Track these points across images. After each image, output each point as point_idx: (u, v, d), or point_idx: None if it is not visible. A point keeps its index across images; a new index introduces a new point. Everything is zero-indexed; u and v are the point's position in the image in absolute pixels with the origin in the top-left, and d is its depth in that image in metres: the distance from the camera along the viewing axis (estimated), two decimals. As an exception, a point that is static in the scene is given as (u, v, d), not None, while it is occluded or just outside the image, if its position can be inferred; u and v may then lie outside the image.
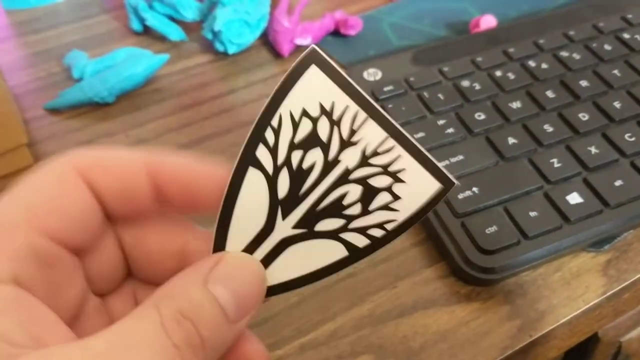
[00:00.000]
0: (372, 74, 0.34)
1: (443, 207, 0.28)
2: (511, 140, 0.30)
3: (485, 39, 0.37)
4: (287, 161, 0.18)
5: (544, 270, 0.27)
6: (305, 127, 0.17)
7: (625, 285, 0.27)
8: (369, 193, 0.17)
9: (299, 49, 0.42)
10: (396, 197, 0.17)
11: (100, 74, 0.39)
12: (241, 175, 0.18)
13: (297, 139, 0.18)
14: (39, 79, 0.42)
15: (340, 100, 0.17)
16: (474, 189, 0.28)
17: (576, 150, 0.30)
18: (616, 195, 0.28)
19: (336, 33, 0.43)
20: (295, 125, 0.17)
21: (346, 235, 0.18)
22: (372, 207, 0.18)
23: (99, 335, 0.14)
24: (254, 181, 0.18)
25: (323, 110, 0.17)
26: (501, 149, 0.30)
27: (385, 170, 0.17)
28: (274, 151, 0.18)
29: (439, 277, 0.28)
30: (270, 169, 0.18)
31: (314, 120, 0.17)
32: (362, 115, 0.17)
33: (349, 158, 0.17)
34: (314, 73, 0.17)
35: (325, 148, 0.18)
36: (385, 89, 0.33)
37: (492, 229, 0.27)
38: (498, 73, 0.34)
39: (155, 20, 0.43)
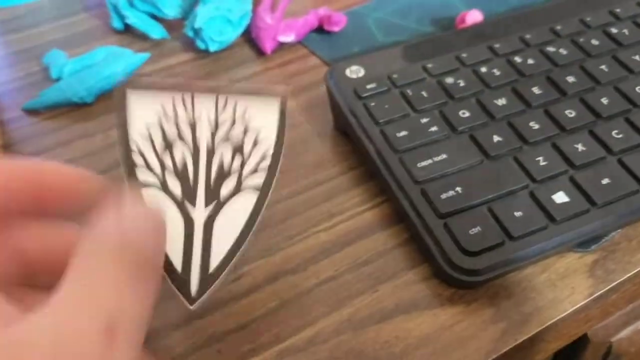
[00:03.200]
0: (355, 72, 0.34)
1: (426, 207, 0.27)
2: (496, 138, 0.30)
3: (471, 34, 0.36)
4: (163, 166, 0.21)
5: (529, 272, 0.27)
6: (157, 134, 0.21)
7: (612, 286, 0.26)
8: (237, 144, 0.21)
9: (282, 46, 0.41)
10: (257, 131, 0.21)
11: (78, 73, 0.38)
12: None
13: (158, 147, 0.21)
14: (18, 78, 0.41)
15: (165, 99, 0.21)
16: (458, 188, 0.28)
17: (562, 148, 0.29)
18: (603, 193, 0.27)
19: (320, 30, 0.42)
20: (150, 138, 0.21)
21: (246, 184, 0.21)
22: (246, 151, 0.21)
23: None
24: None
25: (161, 115, 0.21)
26: (486, 147, 0.29)
27: (233, 120, 0.21)
28: (149, 166, 0.21)
29: (422, 279, 0.27)
30: (156, 180, 0.21)
31: (160, 126, 0.21)
32: (188, 97, 0.21)
33: (204, 132, 0.21)
34: (132, 96, 0.21)
35: (182, 137, 0.21)
36: (368, 86, 0.33)
37: (476, 229, 0.26)
38: (483, 69, 0.33)
39: (135, 18, 0.42)
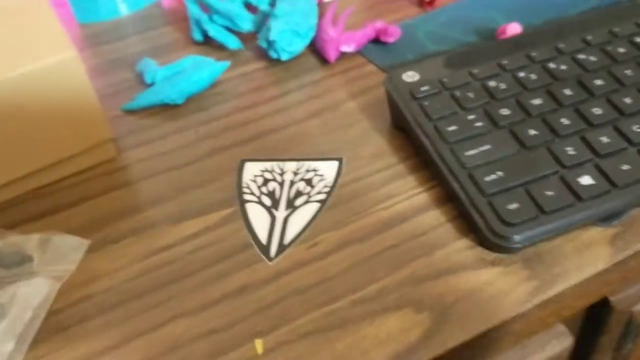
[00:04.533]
0: (411, 76, 0.39)
1: (472, 187, 0.33)
2: (532, 132, 0.35)
3: (511, 44, 0.41)
4: (259, 193, 0.37)
5: (559, 242, 0.32)
6: (259, 179, 0.38)
7: (630, 254, 0.31)
8: (308, 180, 0.37)
9: (343, 55, 0.47)
10: (322, 175, 0.37)
11: (170, 78, 0.45)
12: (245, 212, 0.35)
13: (258, 183, 0.37)
14: (114, 84, 0.48)
15: (266, 164, 0.39)
16: (499, 173, 0.33)
17: (589, 140, 0.34)
18: (623, 177, 0.32)
19: (376, 40, 0.48)
20: (254, 180, 0.38)
21: (311, 199, 0.36)
22: (314, 183, 0.37)
23: None
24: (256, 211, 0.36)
25: (262, 169, 0.38)
26: (523, 139, 0.35)
27: (307, 170, 0.38)
28: (251, 193, 0.37)
29: (468, 247, 0.32)
30: (255, 199, 0.36)
31: (262, 174, 0.38)
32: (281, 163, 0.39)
33: (288, 175, 0.38)
34: (247, 163, 0.39)
35: (275, 179, 0.38)
36: (422, 89, 0.38)
37: (514, 205, 0.32)
38: (521, 74, 0.39)
39: (215, 31, 0.49)
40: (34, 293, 0.30)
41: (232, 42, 0.49)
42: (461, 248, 0.32)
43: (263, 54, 0.48)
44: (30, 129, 0.36)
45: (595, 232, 0.32)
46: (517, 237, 0.31)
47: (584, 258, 0.31)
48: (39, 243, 0.33)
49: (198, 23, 0.50)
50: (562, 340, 0.36)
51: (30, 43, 0.36)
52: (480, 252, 0.32)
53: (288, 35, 0.46)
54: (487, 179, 0.33)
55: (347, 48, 0.46)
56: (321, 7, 0.52)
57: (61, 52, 0.35)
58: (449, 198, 0.35)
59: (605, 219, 0.32)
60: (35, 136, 0.36)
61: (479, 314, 0.29)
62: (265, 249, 0.33)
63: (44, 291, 0.31)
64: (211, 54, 0.49)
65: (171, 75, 0.45)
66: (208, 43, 0.51)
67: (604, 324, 0.39)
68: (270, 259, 0.33)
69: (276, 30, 0.45)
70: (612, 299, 0.37)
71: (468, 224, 0.33)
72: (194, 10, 0.49)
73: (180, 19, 0.55)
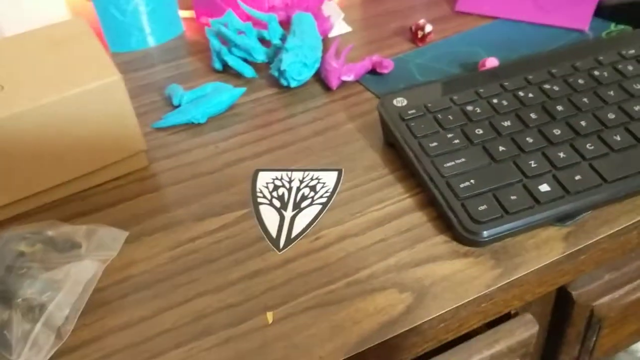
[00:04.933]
0: (400, 101, 0.46)
1: (449, 192, 0.39)
2: (501, 148, 0.42)
3: (488, 75, 0.48)
4: (270, 196, 0.43)
5: (521, 238, 0.38)
6: (270, 185, 0.44)
7: (580, 249, 0.38)
8: (313, 187, 0.43)
9: (344, 84, 0.54)
10: (323, 183, 0.44)
11: (194, 101, 0.52)
12: (258, 212, 0.42)
13: (269, 189, 0.44)
14: (144, 105, 0.55)
15: (276, 173, 0.45)
16: (471, 180, 0.40)
17: (549, 155, 0.41)
18: (576, 185, 0.39)
19: (373, 72, 0.55)
20: (267, 187, 0.44)
21: (315, 202, 0.42)
22: (317, 189, 0.43)
23: None
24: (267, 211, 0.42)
25: (274, 178, 0.45)
26: (493, 154, 0.41)
27: (311, 179, 0.44)
28: (264, 196, 0.43)
29: (445, 242, 0.39)
30: (267, 201, 0.43)
31: (273, 182, 0.45)
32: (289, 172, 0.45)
33: (295, 183, 0.44)
34: (260, 172, 0.46)
35: (284, 185, 0.44)
36: (409, 112, 0.45)
37: (483, 207, 0.38)
38: (495, 100, 0.45)
39: (234, 62, 0.56)
40: (83, 272, 0.37)
41: (248, 72, 0.56)
42: (439, 242, 0.39)
43: (274, 82, 0.56)
44: (77, 141, 0.43)
45: (552, 231, 0.39)
46: (485, 233, 0.37)
47: (542, 250, 0.37)
48: (86, 233, 0.39)
49: (218, 54, 0.57)
50: (530, 328, 0.42)
51: (80, 68, 0.43)
52: (454, 245, 0.38)
53: (297, 66, 0.53)
54: (462, 185, 0.39)
55: (347, 77, 0.54)
56: (326, 42, 0.60)
57: (108, 76, 0.42)
58: (430, 202, 0.41)
59: (561, 220, 0.39)
60: (81, 147, 0.43)
61: (452, 294, 0.35)
62: (275, 241, 0.40)
63: (92, 271, 0.37)
64: (229, 81, 0.56)
65: (195, 99, 0.52)
66: (226, 71, 0.58)
67: (569, 317, 0.45)
68: (279, 250, 0.39)
69: (287, 61, 0.52)
70: (574, 293, 0.43)
71: (445, 223, 0.40)
72: (215, 43, 0.56)
73: (201, 50, 0.62)
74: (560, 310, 0.46)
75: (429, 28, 0.58)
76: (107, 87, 0.42)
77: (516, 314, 0.43)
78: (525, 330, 0.42)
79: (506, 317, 0.42)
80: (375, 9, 0.66)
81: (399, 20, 0.64)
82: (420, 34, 0.59)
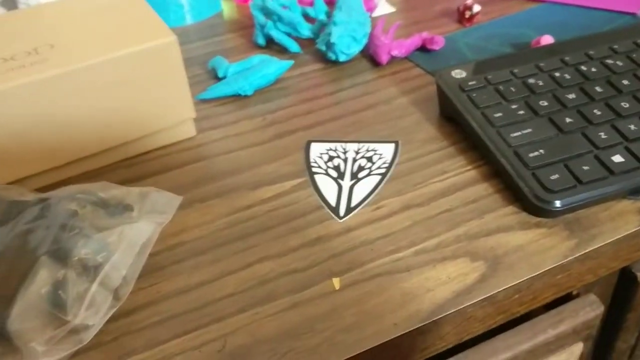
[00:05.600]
0: (458, 74, 0.45)
1: (518, 162, 0.38)
2: (568, 120, 0.40)
3: (546, 51, 0.47)
4: (325, 166, 0.42)
5: (594, 210, 0.37)
6: (325, 155, 0.43)
7: (657, 222, 0.36)
8: (369, 158, 0.42)
9: (393, 59, 0.53)
10: (381, 154, 0.42)
11: (240, 73, 0.50)
12: (314, 182, 0.41)
13: (325, 159, 0.42)
14: (188, 79, 0.53)
15: (330, 145, 0.44)
16: (541, 150, 0.38)
17: (619, 127, 0.39)
18: (650, 158, 0.37)
19: (422, 49, 0.54)
20: (322, 157, 0.43)
21: (373, 173, 0.41)
22: (374, 160, 0.42)
23: None
24: (324, 181, 0.41)
25: (328, 149, 0.43)
26: (560, 125, 0.40)
27: (367, 150, 0.43)
28: (319, 166, 0.42)
29: (515, 212, 0.37)
30: (323, 171, 0.41)
31: (328, 153, 0.43)
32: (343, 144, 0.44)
33: (350, 154, 0.43)
34: (313, 144, 0.44)
35: (339, 156, 0.42)
36: (470, 83, 0.44)
37: (555, 176, 0.36)
38: (557, 74, 0.44)
39: (279, 36, 0.55)
40: (139, 234, 0.35)
41: (293, 46, 0.55)
42: (508, 213, 0.37)
43: (319, 58, 0.54)
44: (126, 104, 0.41)
45: (626, 204, 0.37)
46: (558, 203, 0.36)
47: (617, 223, 0.36)
48: (138, 196, 0.38)
49: (262, 29, 0.55)
50: (595, 309, 0.40)
51: (133, 29, 0.41)
52: (525, 216, 0.37)
53: (346, 40, 0.51)
54: (531, 155, 0.38)
55: (397, 53, 0.52)
56: (371, 20, 0.58)
57: (163, 37, 0.41)
58: (495, 174, 0.40)
59: (635, 192, 0.37)
60: (131, 111, 0.42)
61: (526, 264, 0.34)
62: (334, 209, 0.38)
63: (148, 233, 0.35)
64: (274, 56, 0.54)
65: (241, 71, 0.51)
66: (269, 47, 0.57)
67: (631, 301, 0.43)
68: (340, 218, 0.38)
69: (337, 34, 0.51)
70: (639, 275, 0.42)
71: (513, 194, 0.38)
72: (259, 17, 0.55)
73: (241, 27, 0.61)
74: (622, 293, 0.44)
75: (477, 8, 0.57)
76: (162, 48, 0.40)
77: (578, 295, 0.41)
78: (590, 310, 0.40)
79: (566, 299, 0.40)
80: (418, -9, 0.65)
81: (442, 2, 0.62)
82: (468, 14, 0.57)
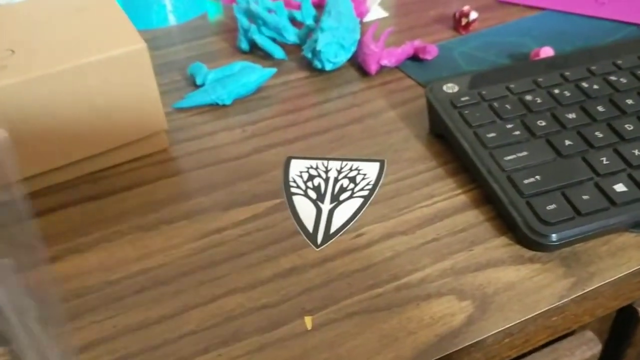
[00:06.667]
0: (450, 88, 0.42)
1: (511, 189, 0.35)
2: (567, 142, 0.37)
3: (545, 64, 0.44)
4: (305, 187, 0.38)
5: (593, 244, 0.34)
6: (305, 174, 0.40)
7: (661, 259, 0.33)
8: (352, 178, 0.39)
9: (383, 69, 0.50)
10: (364, 174, 0.39)
11: (220, 80, 0.47)
12: (292, 203, 0.37)
13: (304, 179, 0.39)
14: (164, 84, 0.50)
15: (311, 162, 0.40)
16: (537, 176, 0.35)
17: (622, 152, 0.36)
18: (655, 187, 0.34)
19: (414, 58, 0.51)
20: (300, 175, 0.39)
21: (355, 195, 0.38)
22: (357, 181, 0.39)
23: None
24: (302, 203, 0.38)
25: (308, 167, 0.40)
26: (559, 148, 0.37)
27: (350, 170, 0.40)
28: (297, 187, 0.38)
29: (506, 244, 0.34)
30: (302, 192, 0.38)
31: (308, 171, 0.40)
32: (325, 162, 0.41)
33: (333, 173, 0.40)
34: (293, 160, 0.41)
35: (319, 175, 0.39)
36: (462, 99, 0.40)
37: (552, 206, 0.33)
38: (556, 91, 0.41)
39: (263, 41, 0.51)
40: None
41: (278, 52, 0.51)
42: (499, 245, 0.34)
43: (305, 65, 0.51)
44: (92, 115, 0.38)
45: (629, 237, 0.34)
46: (554, 236, 0.33)
47: (618, 259, 0.33)
48: None
49: (246, 33, 0.52)
50: (592, 347, 0.37)
51: (102, 35, 0.38)
52: (518, 249, 0.34)
53: (334, 48, 0.48)
54: (526, 181, 0.35)
55: (387, 62, 0.49)
56: (362, 26, 0.55)
57: (132, 43, 0.37)
58: (487, 200, 0.37)
59: (638, 226, 0.34)
60: (97, 122, 0.38)
61: (519, 305, 0.31)
62: (312, 236, 0.35)
63: None
64: (257, 63, 0.51)
65: (221, 78, 0.48)
66: (253, 53, 0.53)
67: (631, 336, 0.40)
68: (317, 246, 0.35)
69: (323, 42, 0.47)
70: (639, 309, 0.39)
71: (506, 223, 0.35)
72: (243, 21, 0.52)
73: (225, 30, 0.58)
74: (621, 328, 0.41)
75: (474, 15, 0.54)
76: (132, 55, 0.37)
77: (574, 331, 0.38)
78: (587, 349, 0.37)
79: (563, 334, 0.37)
80: (412, -5, 0.62)
81: (437, 7, 0.59)
82: (464, 21, 0.54)
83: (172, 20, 0.59)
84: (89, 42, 0.38)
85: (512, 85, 0.42)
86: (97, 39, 0.38)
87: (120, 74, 0.38)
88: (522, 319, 0.30)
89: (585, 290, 0.31)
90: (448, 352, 0.29)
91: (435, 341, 0.29)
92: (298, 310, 0.31)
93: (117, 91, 0.38)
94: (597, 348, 0.37)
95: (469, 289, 0.32)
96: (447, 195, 0.37)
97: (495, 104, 0.40)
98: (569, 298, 0.31)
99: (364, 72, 0.50)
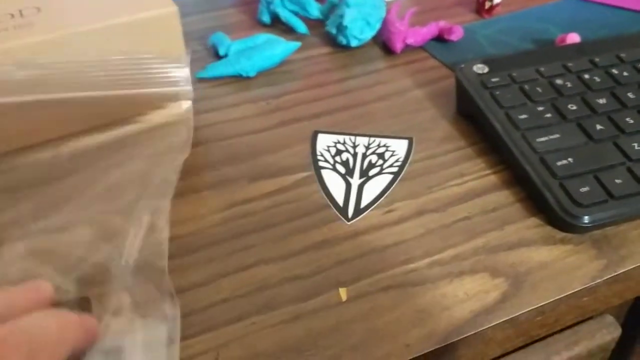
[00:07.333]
0: (481, 69, 0.41)
1: (544, 170, 0.35)
2: (598, 127, 0.37)
3: (573, 50, 0.44)
4: (333, 159, 0.39)
5: (624, 227, 0.34)
6: (332, 148, 0.39)
7: (691, 245, 0.33)
8: (381, 154, 0.38)
9: (407, 48, 0.49)
10: (393, 150, 0.39)
11: (243, 52, 0.47)
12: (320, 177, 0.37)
13: (331, 152, 0.39)
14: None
15: (338, 137, 0.40)
16: (569, 159, 0.35)
17: (654, 139, 0.36)
18: (687, 174, 0.34)
19: (437, 39, 0.50)
20: (328, 149, 0.39)
21: (384, 171, 0.37)
22: (386, 157, 0.38)
23: None
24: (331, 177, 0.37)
25: (336, 141, 0.40)
26: (590, 132, 0.37)
27: (378, 146, 0.39)
28: (324, 159, 0.38)
29: (538, 225, 0.34)
30: (330, 166, 0.38)
31: (335, 145, 0.40)
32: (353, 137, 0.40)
33: (360, 148, 0.39)
34: (320, 134, 0.40)
35: (347, 150, 0.39)
36: (493, 79, 0.40)
37: (585, 189, 0.33)
38: (586, 76, 0.41)
39: (286, 15, 0.51)
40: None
41: (300, 27, 0.51)
42: (531, 225, 0.34)
43: (328, 41, 0.50)
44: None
45: (658, 222, 0.34)
46: (587, 218, 0.33)
47: (649, 244, 0.33)
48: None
49: (268, 6, 0.51)
50: (612, 331, 0.37)
51: (131, -3, 0.37)
52: (549, 230, 0.34)
53: (360, 24, 0.48)
54: (559, 163, 0.35)
55: (412, 42, 0.49)
56: (386, 4, 0.54)
57: (163, 6, 0.37)
58: (517, 181, 0.37)
59: (669, 211, 0.34)
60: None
61: (551, 284, 0.31)
62: (342, 210, 0.35)
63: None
64: (277, 36, 0.50)
65: (244, 49, 0.47)
66: (274, 26, 0.53)
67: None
68: (348, 220, 0.34)
69: (350, 17, 0.47)
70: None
71: (537, 204, 0.35)
72: (266, -7, 0.51)
73: (242, 2, 0.57)
74: (637, 312, 0.41)
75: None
76: (163, 17, 0.37)
77: (592, 316, 0.38)
78: (607, 333, 0.37)
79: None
80: (433, -23, 0.61)
81: (459, -10, 0.59)
82: (487, 4, 0.54)
83: (190, -10, 0.58)
84: (119, 3, 0.37)
85: (542, 69, 0.41)
86: (124, 0, 0.37)
87: (150, 36, 0.37)
88: (555, 298, 0.30)
89: (617, 273, 0.31)
90: (483, 328, 0.29)
91: (470, 317, 0.29)
92: (332, 282, 0.31)
93: (147, 53, 0.37)
94: (617, 332, 0.37)
95: (501, 267, 0.32)
96: (477, 175, 0.37)
97: (526, 86, 0.40)
98: (602, 279, 0.31)
99: (387, 50, 0.49)
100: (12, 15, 0.36)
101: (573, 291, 0.31)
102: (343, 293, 0.30)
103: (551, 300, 0.30)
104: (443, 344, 0.28)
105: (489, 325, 0.29)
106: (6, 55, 0.33)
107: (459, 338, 0.28)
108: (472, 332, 0.29)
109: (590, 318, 0.38)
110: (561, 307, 0.31)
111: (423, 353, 0.28)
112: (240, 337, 0.28)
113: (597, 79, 0.41)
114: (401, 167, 0.38)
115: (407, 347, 0.28)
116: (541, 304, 0.30)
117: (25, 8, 0.37)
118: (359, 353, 0.28)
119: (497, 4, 0.54)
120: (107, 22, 0.35)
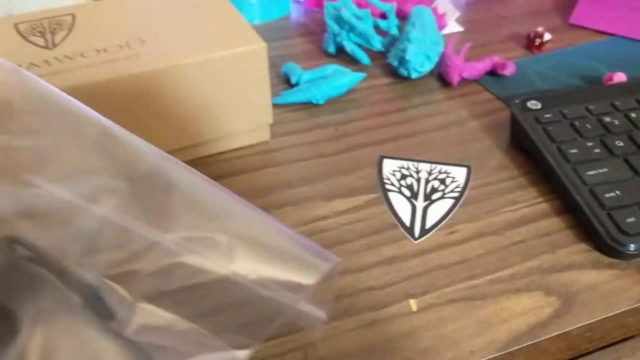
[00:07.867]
0: (534, 105, 0.45)
1: (593, 201, 0.38)
2: (644, 163, 0.41)
3: (621, 89, 0.47)
4: (392, 184, 0.43)
5: (667, 256, 0.37)
6: (397, 173, 0.44)
7: None
8: (442, 180, 0.43)
9: (462, 81, 0.53)
10: (454, 177, 0.43)
11: (313, 81, 0.51)
12: (388, 199, 0.41)
13: (397, 178, 0.43)
14: (255, 81, 0.54)
15: (402, 162, 0.44)
16: (617, 192, 0.39)
17: (695, 176, 0.40)
18: None
19: (490, 73, 0.54)
20: (394, 174, 0.43)
21: (446, 196, 0.42)
22: (447, 183, 0.42)
23: None
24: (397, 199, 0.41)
25: (400, 166, 0.44)
26: (636, 168, 0.40)
27: (439, 172, 0.43)
28: (392, 184, 0.42)
29: (587, 250, 0.38)
30: (396, 189, 0.42)
31: (400, 170, 0.44)
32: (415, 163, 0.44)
33: (423, 175, 0.43)
34: (385, 159, 0.45)
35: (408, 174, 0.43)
36: (545, 115, 0.44)
37: (632, 219, 0.37)
38: (633, 115, 0.44)
39: (351, 47, 0.55)
40: None
41: (364, 58, 0.55)
42: (580, 250, 0.38)
43: (389, 72, 0.55)
44: (208, 105, 0.42)
45: (698, 252, 0.37)
46: (632, 246, 0.36)
47: (689, 272, 0.36)
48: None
49: (335, 37, 0.56)
50: (650, 349, 0.41)
51: (223, 32, 0.42)
52: (597, 255, 0.37)
53: (420, 58, 0.52)
54: (607, 195, 0.38)
55: (468, 75, 0.53)
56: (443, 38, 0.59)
57: (254, 42, 0.41)
58: (567, 209, 0.40)
59: None
60: (211, 112, 0.42)
61: (600, 304, 0.35)
62: (409, 230, 0.39)
63: None
64: (342, 66, 0.55)
65: (314, 79, 0.52)
66: (338, 56, 0.57)
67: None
68: (415, 239, 0.38)
69: (412, 52, 0.51)
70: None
71: (585, 231, 0.39)
72: (333, 27, 0.56)
73: (309, 32, 0.62)
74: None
75: (547, 36, 0.57)
76: (253, 53, 0.41)
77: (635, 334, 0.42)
78: (647, 351, 0.41)
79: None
80: (485, 13, 0.66)
81: (510, 26, 0.63)
82: (537, 41, 0.58)
83: (257, 18, 0.63)
84: (212, 38, 0.42)
85: (591, 107, 0.45)
86: (218, 35, 0.42)
87: (240, 70, 0.42)
88: (603, 317, 0.34)
89: (661, 297, 0.35)
90: (539, 339, 0.33)
91: (527, 329, 0.33)
92: (402, 294, 0.35)
93: (234, 85, 0.42)
94: (656, 352, 0.41)
95: (554, 287, 0.35)
96: (530, 202, 0.41)
97: (577, 123, 0.44)
98: (646, 302, 0.35)
99: (444, 82, 0.54)
100: (121, 47, 0.41)
101: (619, 311, 0.34)
102: (414, 304, 0.34)
103: (599, 318, 0.34)
104: (503, 352, 0.32)
105: (544, 338, 0.33)
106: (119, 83, 0.38)
107: (517, 347, 0.32)
108: (530, 343, 0.33)
109: (633, 337, 0.41)
110: (608, 325, 0.35)
111: (486, 359, 0.32)
112: (325, 338, 0.33)
113: (643, 118, 0.44)
114: (461, 193, 0.42)
115: (472, 353, 0.32)
116: (590, 322, 0.34)
117: (131, 40, 0.42)
118: (429, 356, 0.32)
119: (547, 41, 0.58)
120: (207, 56, 0.40)
